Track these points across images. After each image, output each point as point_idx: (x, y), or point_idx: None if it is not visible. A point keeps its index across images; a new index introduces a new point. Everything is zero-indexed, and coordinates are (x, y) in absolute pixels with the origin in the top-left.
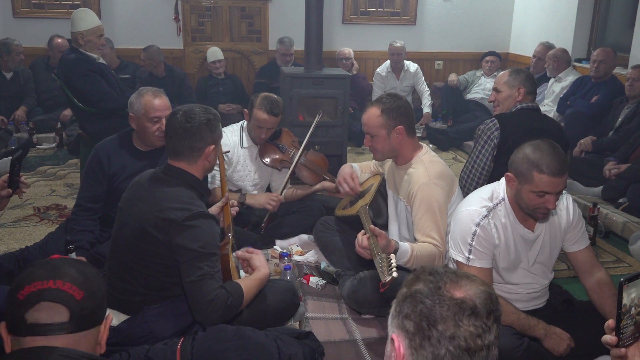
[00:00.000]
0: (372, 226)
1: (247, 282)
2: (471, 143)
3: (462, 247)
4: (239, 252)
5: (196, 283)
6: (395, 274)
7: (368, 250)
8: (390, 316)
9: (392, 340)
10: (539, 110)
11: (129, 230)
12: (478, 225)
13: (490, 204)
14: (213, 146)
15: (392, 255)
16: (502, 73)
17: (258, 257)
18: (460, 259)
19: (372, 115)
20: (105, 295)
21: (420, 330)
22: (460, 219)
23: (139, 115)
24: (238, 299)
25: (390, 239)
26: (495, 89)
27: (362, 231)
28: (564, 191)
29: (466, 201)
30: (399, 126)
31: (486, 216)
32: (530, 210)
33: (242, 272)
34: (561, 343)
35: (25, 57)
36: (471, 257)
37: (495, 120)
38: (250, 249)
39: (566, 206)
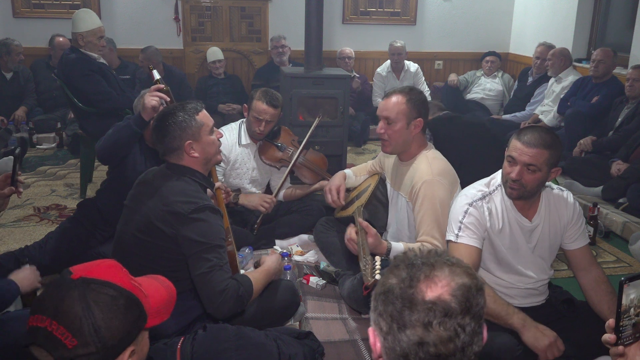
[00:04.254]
0: (360, 219)
1: (254, 274)
2: None
3: (454, 225)
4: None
5: (206, 275)
6: (378, 277)
7: (355, 244)
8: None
9: (370, 334)
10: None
11: (134, 225)
12: (471, 204)
13: (487, 190)
14: (189, 141)
15: (377, 258)
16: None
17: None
18: (451, 237)
19: (397, 101)
20: (127, 328)
21: (392, 331)
22: (456, 202)
23: None
24: (248, 289)
25: (381, 240)
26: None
27: (353, 225)
28: (564, 190)
29: (464, 189)
30: (420, 119)
31: (481, 199)
32: (504, 182)
33: (242, 272)
34: (542, 338)
35: (25, 57)
36: (460, 234)
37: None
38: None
39: (567, 201)
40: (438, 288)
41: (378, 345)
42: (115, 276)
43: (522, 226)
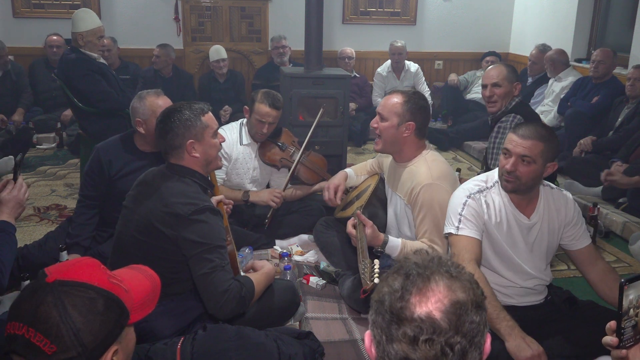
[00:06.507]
0: (359, 211)
1: (255, 276)
2: (471, 143)
3: (453, 218)
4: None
5: (208, 275)
6: (377, 281)
7: (355, 237)
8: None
9: (366, 338)
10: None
11: (134, 226)
12: (469, 196)
13: (485, 184)
14: (192, 141)
15: (376, 261)
16: (494, 67)
17: (260, 261)
18: (451, 229)
19: (394, 100)
20: (108, 328)
21: (381, 343)
22: (454, 196)
23: (146, 118)
24: (250, 290)
25: (378, 232)
26: (495, 84)
27: (352, 219)
28: (564, 190)
29: (462, 184)
30: (412, 122)
31: (478, 192)
32: (500, 176)
33: (242, 273)
34: (525, 349)
35: (24, 57)
36: (460, 226)
37: (519, 116)
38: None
39: (567, 201)
40: (429, 304)
41: (373, 350)
42: (92, 275)
43: (520, 223)
